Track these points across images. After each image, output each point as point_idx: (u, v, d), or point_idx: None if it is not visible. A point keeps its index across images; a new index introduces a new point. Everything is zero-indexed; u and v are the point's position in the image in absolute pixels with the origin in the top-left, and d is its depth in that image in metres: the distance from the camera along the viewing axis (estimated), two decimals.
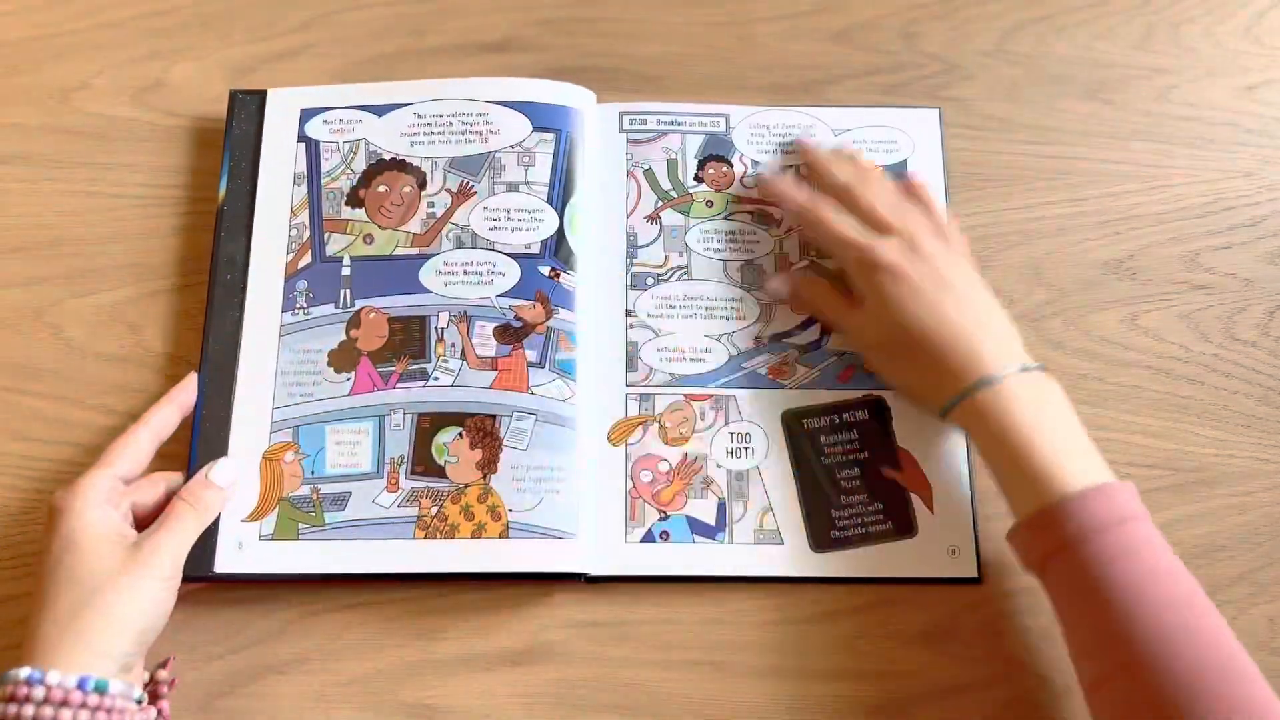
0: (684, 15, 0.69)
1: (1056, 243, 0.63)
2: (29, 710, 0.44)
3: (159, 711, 0.52)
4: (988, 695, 0.54)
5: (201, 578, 0.53)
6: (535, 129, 0.61)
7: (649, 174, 0.62)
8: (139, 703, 0.47)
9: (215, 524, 0.54)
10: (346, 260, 0.59)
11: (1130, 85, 0.67)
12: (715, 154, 0.63)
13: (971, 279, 0.55)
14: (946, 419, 0.53)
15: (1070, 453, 0.49)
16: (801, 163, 0.62)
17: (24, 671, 0.45)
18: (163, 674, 0.53)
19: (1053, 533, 0.46)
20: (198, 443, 0.56)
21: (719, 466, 0.57)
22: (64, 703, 0.44)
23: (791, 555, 0.56)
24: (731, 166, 0.63)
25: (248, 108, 0.62)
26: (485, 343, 0.57)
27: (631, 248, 0.61)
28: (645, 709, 0.54)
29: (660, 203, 0.62)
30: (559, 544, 0.54)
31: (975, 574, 0.55)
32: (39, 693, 0.44)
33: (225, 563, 0.54)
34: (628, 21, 0.69)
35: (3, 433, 0.58)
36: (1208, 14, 0.69)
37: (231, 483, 0.54)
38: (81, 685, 0.45)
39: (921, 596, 0.56)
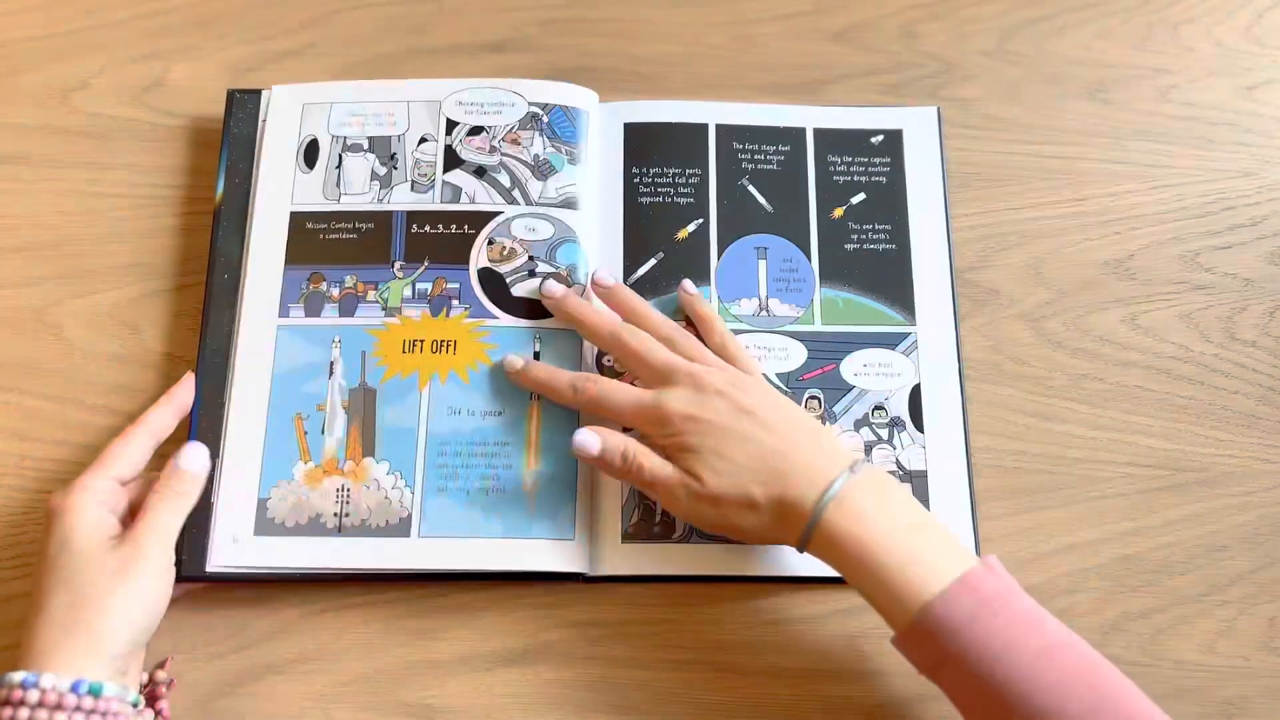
0: (684, 15, 0.69)
1: (1056, 243, 0.63)
2: (24, 714, 0.44)
3: (158, 712, 0.52)
4: None
5: (198, 577, 0.53)
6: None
7: None
8: (135, 705, 0.47)
9: (210, 523, 0.54)
10: None
11: (1130, 85, 0.67)
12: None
13: (771, 400, 0.52)
14: (806, 551, 0.50)
15: (923, 551, 0.47)
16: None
17: (18, 675, 0.44)
18: (161, 675, 0.53)
19: (932, 645, 0.45)
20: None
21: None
22: (58, 706, 0.44)
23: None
24: None
25: (246, 107, 0.62)
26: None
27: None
28: (645, 709, 0.54)
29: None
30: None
31: None
32: (33, 696, 0.44)
33: (220, 559, 0.54)
34: (628, 21, 0.69)
35: (3, 433, 0.58)
36: (1208, 14, 0.69)
37: (202, 466, 0.53)
38: (76, 688, 0.45)
39: None
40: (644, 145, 0.63)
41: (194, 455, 0.53)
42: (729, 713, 0.53)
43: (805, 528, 0.49)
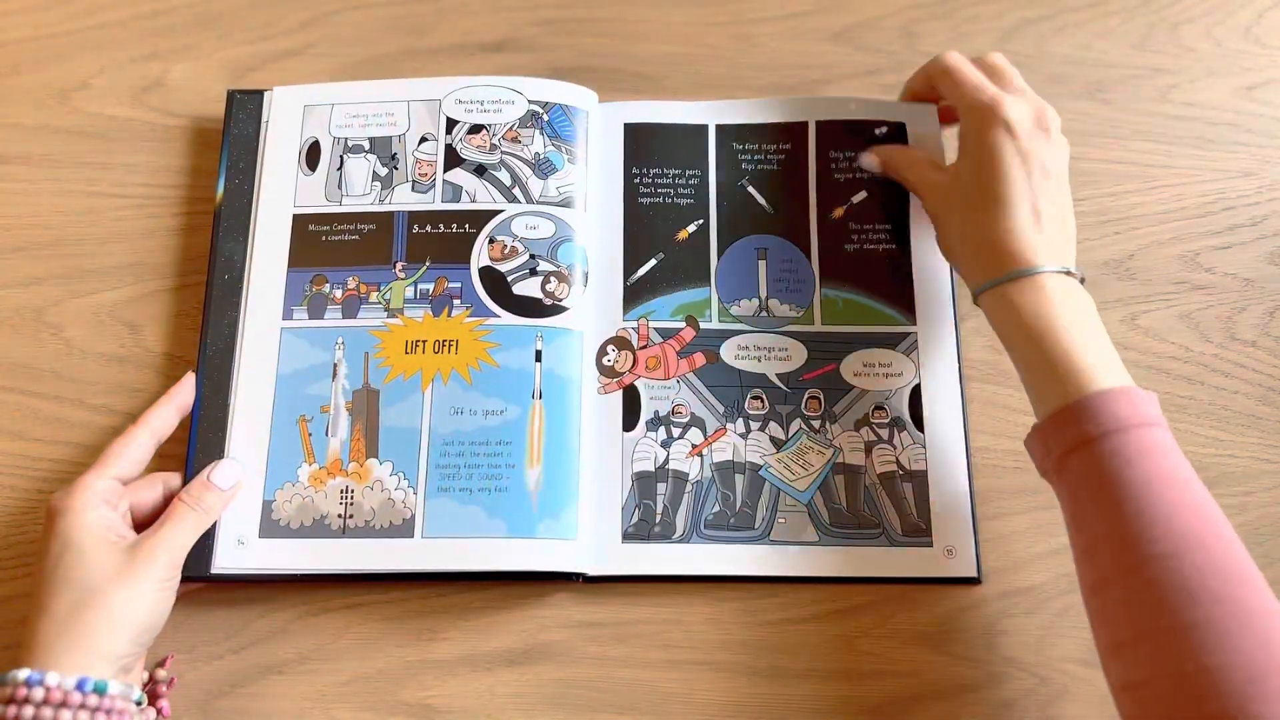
0: (684, 15, 0.69)
1: None
2: (29, 711, 0.44)
3: (158, 711, 0.52)
4: (988, 695, 0.54)
5: (202, 577, 0.53)
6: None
7: None
8: (138, 704, 0.47)
9: (215, 525, 0.54)
10: None
11: (1130, 85, 0.67)
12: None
13: (1064, 180, 0.55)
14: (979, 300, 0.54)
15: (1099, 354, 0.49)
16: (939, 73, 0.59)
17: (23, 673, 0.45)
18: (161, 673, 0.53)
19: (1078, 428, 0.46)
20: (196, 442, 0.56)
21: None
22: (63, 704, 0.44)
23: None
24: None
25: (246, 108, 0.62)
26: None
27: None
28: (645, 709, 0.54)
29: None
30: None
31: (975, 574, 0.55)
32: (38, 694, 0.44)
33: (225, 561, 0.54)
34: (628, 21, 0.69)
35: (3, 433, 0.58)
36: (1208, 14, 0.69)
37: (233, 485, 0.54)
38: (80, 686, 0.45)
39: (921, 596, 0.56)
40: (644, 145, 0.63)
41: (226, 472, 0.54)
42: (729, 713, 0.54)
43: (1000, 277, 0.51)
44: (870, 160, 0.61)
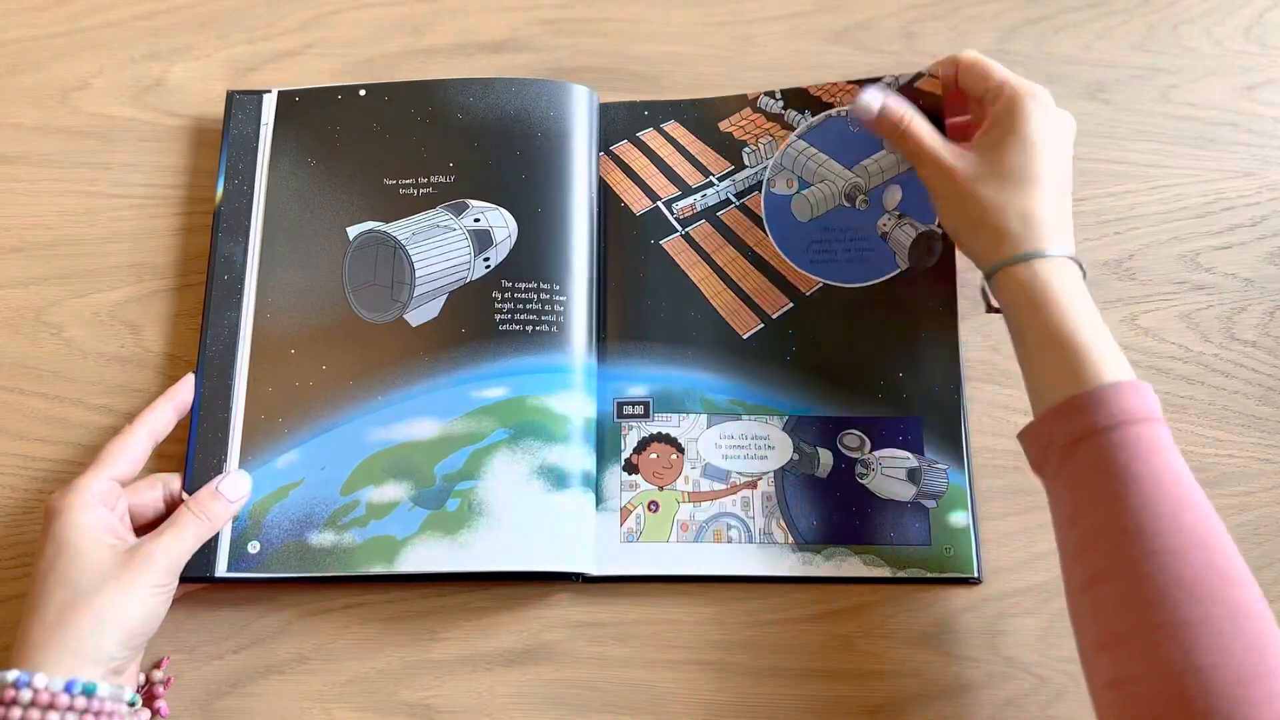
0: (684, 15, 0.69)
1: None
2: (16, 713, 0.44)
3: (156, 712, 0.52)
4: (988, 695, 0.54)
5: (203, 579, 0.53)
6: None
7: None
8: (131, 705, 0.47)
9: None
10: None
11: (1130, 85, 0.67)
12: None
13: (1070, 172, 0.55)
14: (996, 277, 0.52)
15: (1107, 346, 0.49)
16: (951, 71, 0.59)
17: (11, 674, 0.44)
18: (157, 674, 0.53)
19: (1087, 417, 0.46)
20: (195, 443, 0.56)
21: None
22: (51, 705, 0.44)
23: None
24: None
25: (245, 108, 0.62)
26: None
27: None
28: (645, 709, 0.54)
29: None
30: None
31: (975, 574, 0.55)
32: (25, 695, 0.44)
33: (229, 565, 0.54)
34: (628, 21, 0.69)
35: (3, 433, 0.58)
36: (1208, 14, 0.69)
37: (241, 497, 0.54)
38: (69, 688, 0.45)
39: (921, 596, 0.56)
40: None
41: (235, 484, 0.54)
42: (729, 713, 0.54)
43: (1024, 254, 0.51)
44: (869, 102, 0.55)
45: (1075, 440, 0.46)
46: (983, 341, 0.61)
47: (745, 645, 0.55)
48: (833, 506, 0.56)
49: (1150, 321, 0.62)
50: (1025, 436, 0.49)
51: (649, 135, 0.63)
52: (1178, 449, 0.46)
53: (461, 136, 0.61)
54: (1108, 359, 0.48)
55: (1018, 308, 0.51)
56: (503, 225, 0.59)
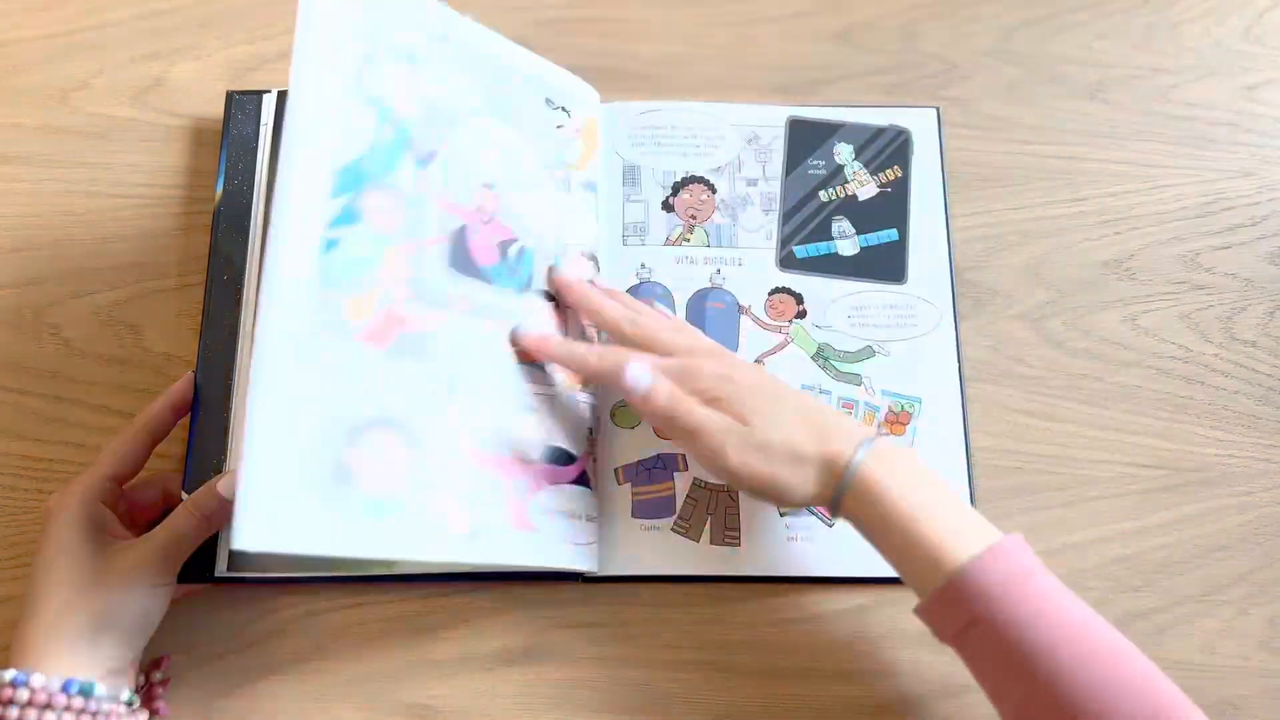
0: (684, 15, 0.69)
1: (1056, 243, 0.63)
2: (13, 713, 0.44)
3: (155, 712, 0.52)
4: None
5: (203, 579, 0.53)
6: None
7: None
8: (129, 704, 0.47)
9: None
10: None
11: (1130, 85, 0.67)
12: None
13: (770, 377, 0.52)
14: (838, 513, 0.49)
15: (953, 516, 0.47)
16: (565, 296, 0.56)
17: (9, 674, 0.44)
18: (156, 674, 0.53)
19: (963, 606, 0.45)
20: (194, 443, 0.55)
21: None
22: (48, 705, 0.44)
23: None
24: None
25: (245, 108, 0.62)
26: None
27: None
28: (645, 709, 0.54)
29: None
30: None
31: None
32: (23, 695, 0.44)
33: (229, 565, 0.53)
34: (628, 21, 0.69)
35: (3, 433, 0.58)
36: (1208, 14, 0.69)
37: None
38: (66, 688, 0.45)
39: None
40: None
41: (236, 484, 0.53)
42: (729, 713, 0.54)
43: (842, 481, 0.47)
44: (636, 379, 0.50)
45: (962, 629, 0.45)
46: (983, 341, 0.61)
47: (745, 645, 0.55)
48: None
49: (1150, 321, 0.62)
50: (920, 617, 0.47)
51: None
52: (1060, 586, 0.45)
53: None
54: (959, 532, 0.46)
55: (860, 525, 0.49)
56: None
